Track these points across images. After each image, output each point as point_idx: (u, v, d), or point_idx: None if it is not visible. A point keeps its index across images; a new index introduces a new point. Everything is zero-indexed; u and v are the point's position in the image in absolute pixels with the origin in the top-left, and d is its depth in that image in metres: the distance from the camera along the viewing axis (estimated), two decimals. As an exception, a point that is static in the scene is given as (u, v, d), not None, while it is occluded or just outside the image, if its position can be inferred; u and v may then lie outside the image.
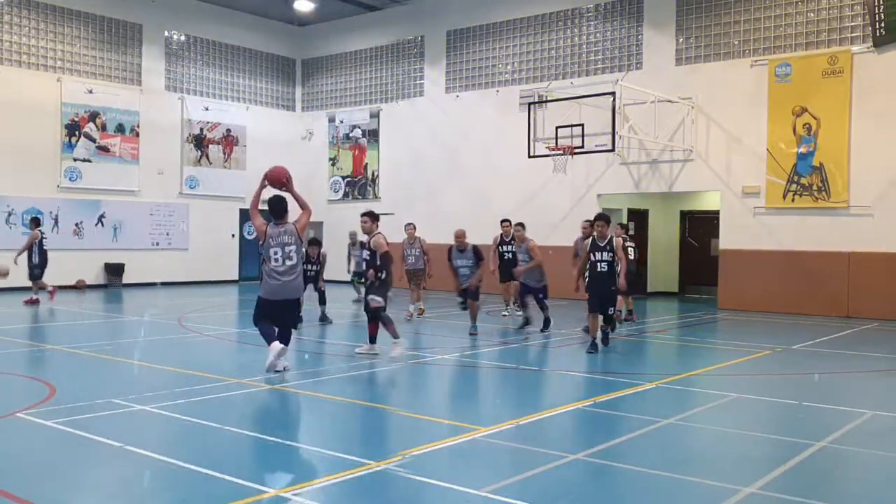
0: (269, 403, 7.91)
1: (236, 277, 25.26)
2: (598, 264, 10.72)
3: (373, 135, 25.12)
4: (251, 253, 25.92)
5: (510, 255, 14.52)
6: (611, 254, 10.70)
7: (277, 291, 8.63)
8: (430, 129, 23.40)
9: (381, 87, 24.97)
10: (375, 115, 25.02)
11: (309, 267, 13.66)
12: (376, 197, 24.96)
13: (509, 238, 14.59)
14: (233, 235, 25.29)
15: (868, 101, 16.43)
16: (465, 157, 22.56)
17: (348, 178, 25.72)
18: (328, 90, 26.43)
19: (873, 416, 7.38)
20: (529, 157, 18.39)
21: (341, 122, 25.95)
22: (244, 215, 25.62)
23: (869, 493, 5.34)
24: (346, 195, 25.74)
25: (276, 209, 8.89)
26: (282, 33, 26.56)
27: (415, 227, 15.64)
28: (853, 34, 16.73)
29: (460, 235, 13.60)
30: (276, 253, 8.66)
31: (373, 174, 25.11)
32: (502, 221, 15.09)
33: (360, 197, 25.37)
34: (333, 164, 26.13)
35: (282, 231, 8.75)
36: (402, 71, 24.19)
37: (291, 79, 27.05)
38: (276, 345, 8.53)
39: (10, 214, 20.31)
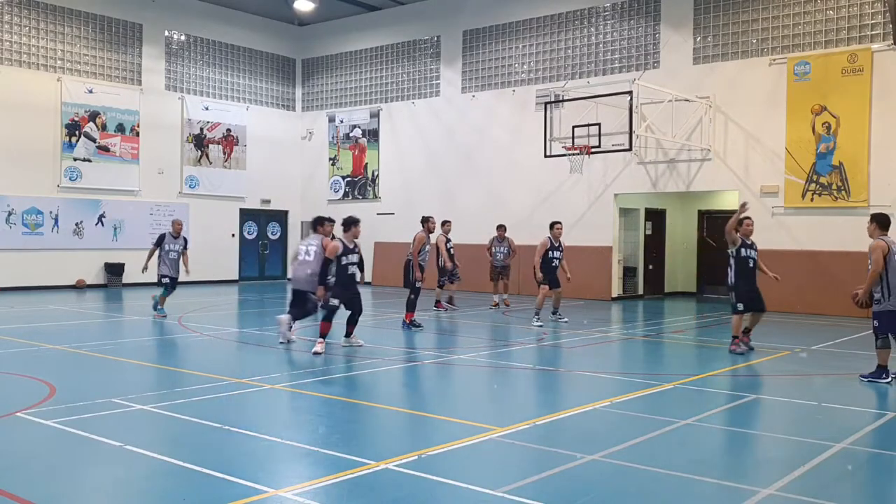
0: (273, 403, 7.90)
1: (236, 277, 25.25)
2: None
3: (373, 134, 25.12)
4: (251, 253, 25.94)
5: (557, 262, 14.25)
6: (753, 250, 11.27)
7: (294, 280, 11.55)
8: (446, 129, 23.37)
9: (383, 86, 24.97)
10: (375, 115, 25.02)
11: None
12: (376, 197, 24.97)
13: (558, 242, 14.25)
14: (233, 235, 25.29)
15: (888, 99, 16.40)
16: (480, 157, 22.52)
17: (348, 178, 25.73)
18: (328, 90, 26.43)
19: (893, 417, 7.37)
20: (546, 156, 18.44)
21: (341, 121, 25.96)
22: (244, 215, 25.64)
23: (889, 495, 5.34)
24: (346, 195, 25.74)
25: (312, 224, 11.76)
26: (282, 33, 26.56)
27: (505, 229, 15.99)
28: (873, 32, 16.70)
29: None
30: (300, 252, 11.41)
31: (373, 174, 25.12)
32: (554, 224, 14.45)
33: (359, 197, 25.38)
34: (333, 164, 26.14)
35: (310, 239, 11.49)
36: (415, 70, 24.14)
37: (291, 79, 27.05)
38: (282, 317, 11.35)
39: (10, 214, 20.31)
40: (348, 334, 11.03)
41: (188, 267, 14.83)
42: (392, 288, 23.14)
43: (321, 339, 10.45)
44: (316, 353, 10.28)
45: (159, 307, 14.62)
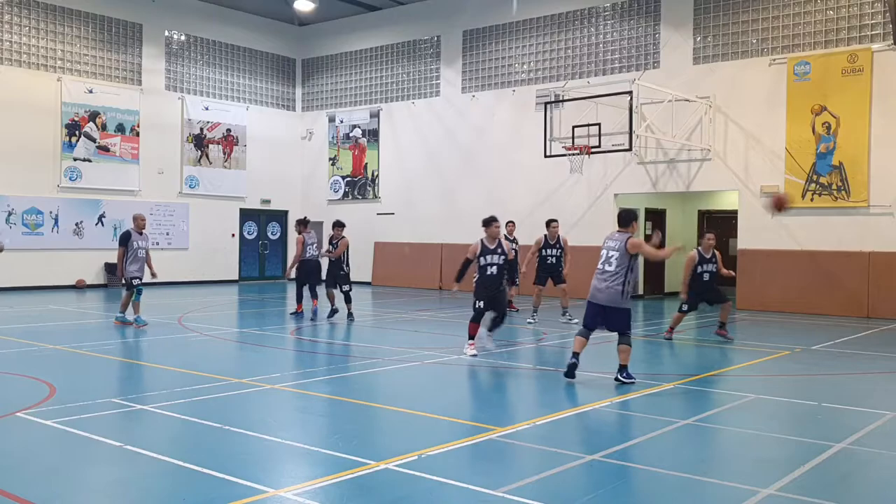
0: (273, 403, 7.90)
1: (236, 277, 25.26)
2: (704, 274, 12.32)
3: (373, 134, 25.11)
4: (251, 253, 25.94)
5: (554, 259, 14.40)
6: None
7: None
8: (446, 129, 23.36)
9: (383, 86, 24.97)
10: (375, 115, 25.02)
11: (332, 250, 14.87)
12: (376, 197, 24.97)
13: (554, 241, 14.39)
14: (233, 235, 25.29)
15: (888, 99, 16.41)
16: (480, 157, 22.52)
17: (348, 178, 25.73)
18: (328, 90, 26.43)
19: (894, 417, 7.36)
20: (546, 156, 18.45)
21: (341, 121, 25.95)
22: (244, 215, 25.63)
23: (889, 495, 5.33)
24: (345, 195, 25.74)
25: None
26: (282, 33, 26.56)
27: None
28: (873, 32, 16.69)
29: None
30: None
31: (373, 174, 25.11)
32: (550, 222, 14.62)
33: (359, 197, 25.38)
34: (333, 164, 26.14)
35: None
36: (415, 70, 24.14)
37: (291, 79, 27.05)
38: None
39: (10, 214, 20.31)
40: (490, 329, 10.75)
41: (154, 269, 13.66)
42: (392, 288, 23.16)
43: (471, 341, 10.50)
44: (472, 356, 10.31)
45: (139, 317, 13.25)
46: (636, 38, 19.83)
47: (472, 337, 10.53)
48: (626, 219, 8.89)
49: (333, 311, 14.72)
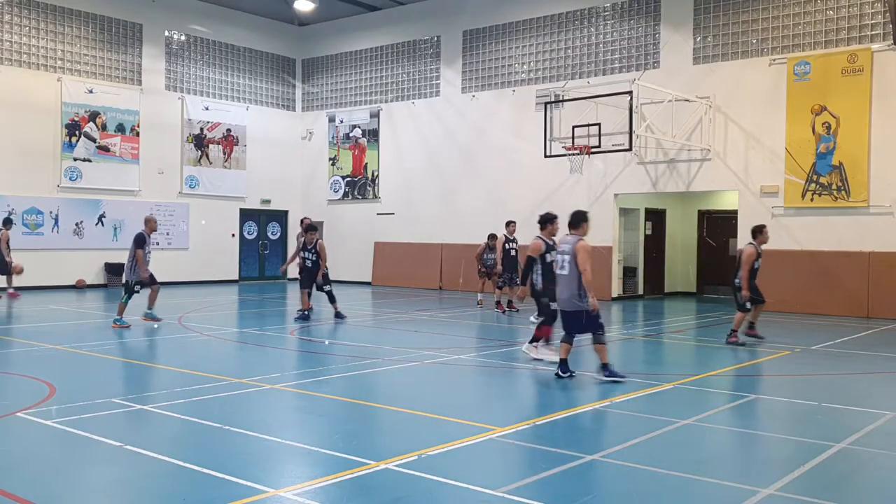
0: (273, 403, 7.90)
1: (236, 277, 25.26)
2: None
3: (373, 134, 25.11)
4: (251, 253, 25.93)
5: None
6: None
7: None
8: (446, 129, 23.35)
9: (383, 86, 24.97)
10: (375, 115, 25.01)
11: (306, 255, 14.46)
12: (376, 197, 24.97)
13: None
14: (233, 235, 25.29)
15: (888, 99, 16.40)
16: (480, 157, 22.51)
17: (348, 178, 25.72)
18: (328, 90, 26.42)
19: (894, 417, 7.36)
20: (546, 156, 18.45)
21: (341, 121, 25.95)
22: (244, 215, 25.62)
23: (889, 495, 5.34)
24: (345, 195, 25.74)
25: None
26: (282, 33, 26.55)
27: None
28: (873, 32, 16.68)
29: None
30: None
31: (373, 174, 25.11)
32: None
33: (359, 197, 25.38)
34: (333, 164, 26.13)
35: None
36: (415, 70, 24.13)
37: (291, 79, 27.04)
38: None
39: (10, 214, 20.28)
40: (534, 340, 10.22)
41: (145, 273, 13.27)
42: (392, 288, 23.16)
43: (539, 344, 10.20)
44: (539, 360, 10.00)
45: (121, 318, 13.07)
46: (636, 38, 19.83)
47: (538, 339, 10.20)
48: (576, 220, 9.02)
49: (304, 316, 14.57)
